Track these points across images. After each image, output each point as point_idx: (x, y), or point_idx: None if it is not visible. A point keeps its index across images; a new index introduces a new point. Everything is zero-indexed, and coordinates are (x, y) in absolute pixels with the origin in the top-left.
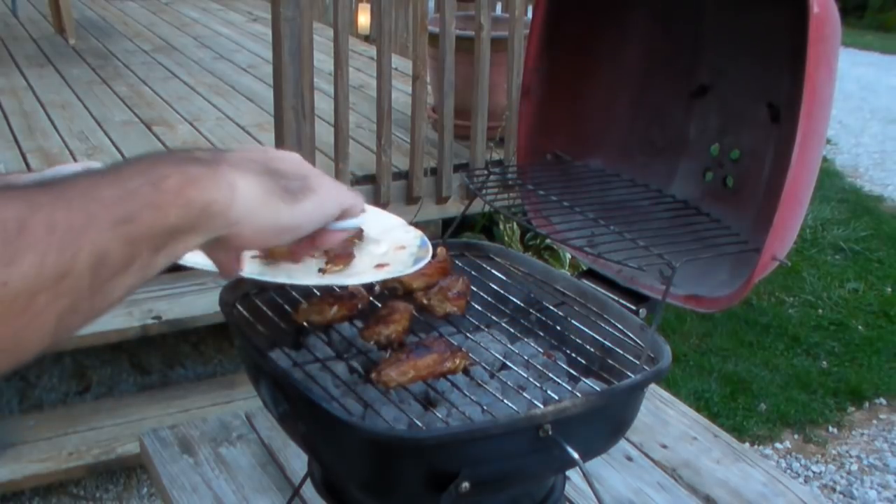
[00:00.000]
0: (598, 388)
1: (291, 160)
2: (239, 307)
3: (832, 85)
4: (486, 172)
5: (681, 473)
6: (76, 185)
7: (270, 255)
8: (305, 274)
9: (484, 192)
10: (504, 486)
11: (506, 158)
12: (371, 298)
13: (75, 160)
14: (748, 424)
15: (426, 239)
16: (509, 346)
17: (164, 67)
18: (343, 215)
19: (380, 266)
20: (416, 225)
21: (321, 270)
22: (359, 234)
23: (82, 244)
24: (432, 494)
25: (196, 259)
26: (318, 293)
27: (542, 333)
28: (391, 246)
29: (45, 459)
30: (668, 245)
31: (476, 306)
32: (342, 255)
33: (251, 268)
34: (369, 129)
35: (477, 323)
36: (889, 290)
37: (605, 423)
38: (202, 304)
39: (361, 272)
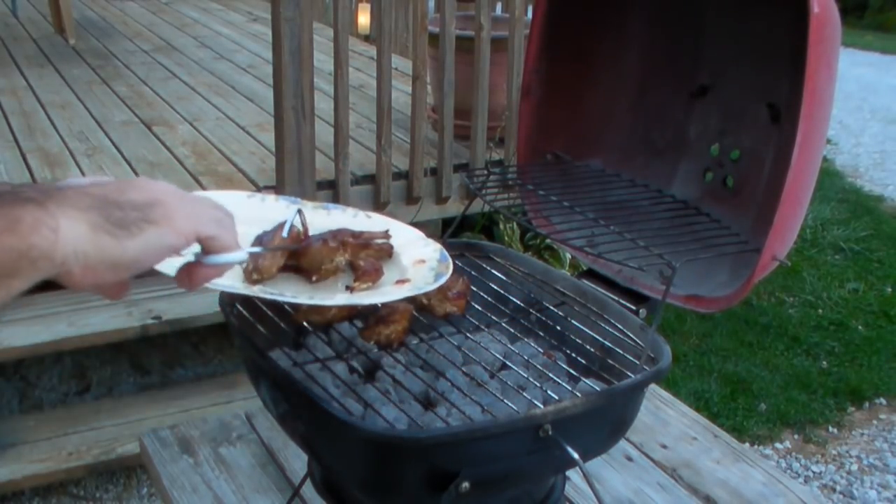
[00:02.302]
0: (598, 388)
1: (142, 188)
2: (239, 307)
3: (832, 85)
4: (486, 172)
5: (681, 473)
6: None
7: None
8: (329, 293)
9: (484, 192)
10: (504, 486)
11: (506, 158)
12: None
13: (75, 160)
14: (748, 424)
15: (446, 253)
16: (509, 346)
17: (165, 67)
18: (209, 248)
19: (401, 282)
20: (416, 225)
21: (349, 288)
22: (389, 251)
23: None
24: (432, 494)
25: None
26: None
27: (542, 333)
28: (410, 260)
29: (45, 459)
30: (668, 245)
31: (476, 306)
32: (370, 271)
33: (266, 288)
34: (369, 129)
35: (477, 323)
36: (889, 290)
37: (605, 423)
38: (202, 304)
39: (384, 289)
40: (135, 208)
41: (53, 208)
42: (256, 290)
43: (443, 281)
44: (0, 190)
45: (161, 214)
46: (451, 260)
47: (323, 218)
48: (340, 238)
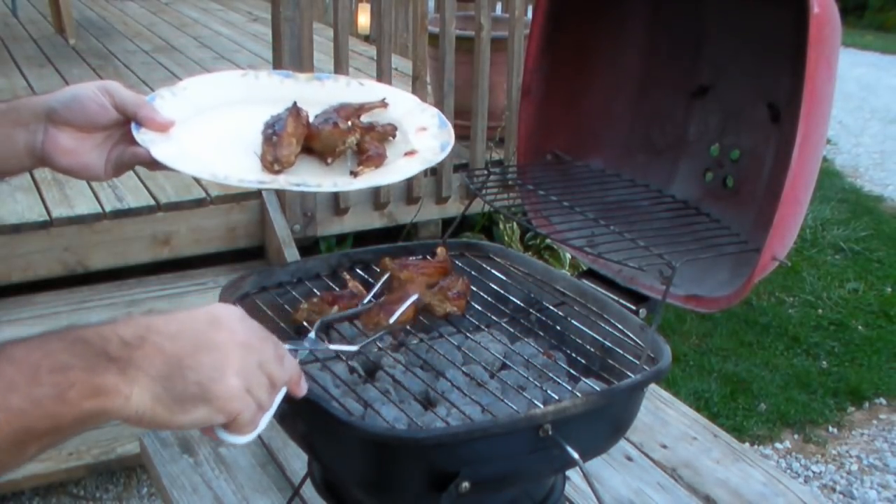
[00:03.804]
0: (598, 388)
1: (211, 351)
2: (239, 307)
3: (832, 85)
4: (486, 172)
5: (681, 473)
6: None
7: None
8: (337, 176)
9: (484, 192)
10: (504, 486)
11: (506, 158)
12: (371, 298)
13: None
14: (748, 424)
15: (444, 118)
16: (509, 346)
17: (164, 67)
18: (231, 427)
19: (409, 154)
20: (416, 225)
21: (353, 173)
22: (392, 131)
23: None
24: (432, 494)
25: None
26: (318, 293)
27: (542, 333)
28: (412, 129)
29: (45, 459)
30: (668, 245)
31: (476, 306)
32: (374, 156)
33: (290, 178)
34: None
35: (477, 323)
36: (889, 290)
37: (605, 423)
38: (202, 303)
39: (393, 166)
40: (198, 382)
41: (132, 375)
42: (282, 182)
43: (448, 150)
44: (88, 340)
45: (218, 393)
46: (450, 126)
47: (317, 89)
48: (347, 116)
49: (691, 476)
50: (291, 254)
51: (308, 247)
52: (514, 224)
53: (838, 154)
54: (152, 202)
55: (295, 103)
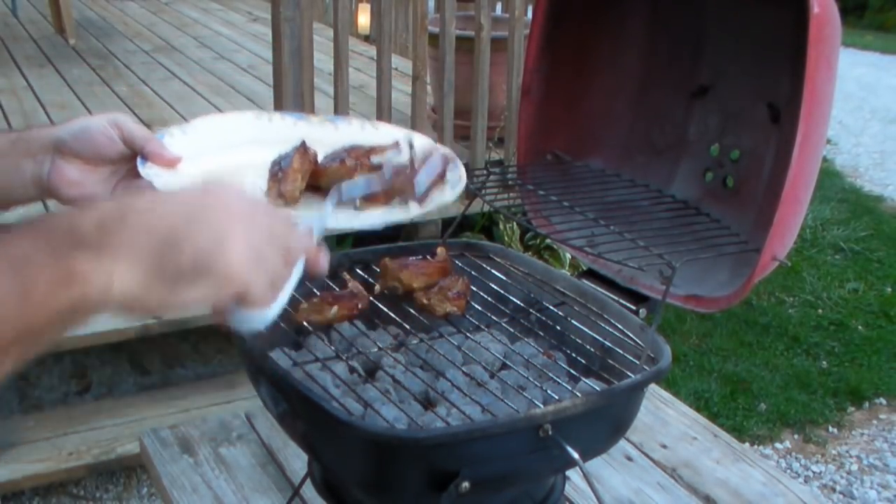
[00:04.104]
0: (598, 388)
1: (208, 221)
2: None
3: (832, 85)
4: (486, 172)
5: (681, 473)
6: None
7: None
8: (338, 214)
9: (484, 192)
10: (504, 486)
11: (506, 158)
12: (371, 298)
13: None
14: (748, 424)
15: (458, 161)
16: (509, 346)
17: (165, 68)
18: (243, 301)
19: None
20: (416, 225)
21: (357, 209)
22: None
23: None
24: (432, 494)
25: None
26: (318, 293)
27: (542, 333)
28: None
29: (45, 459)
30: (668, 245)
31: (476, 306)
32: (381, 195)
33: (292, 213)
34: None
35: (477, 323)
36: (889, 290)
37: (605, 423)
38: None
39: (399, 205)
40: (196, 253)
41: (109, 256)
42: None
43: (459, 190)
44: (55, 225)
45: (221, 263)
46: (461, 167)
47: (330, 132)
48: (356, 156)
49: (691, 476)
50: None
51: None
52: (514, 224)
53: (838, 154)
54: None
55: (303, 141)
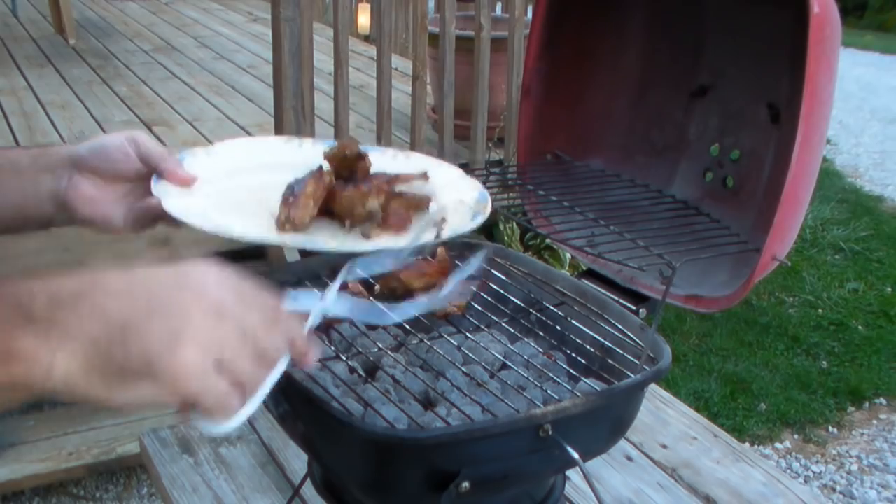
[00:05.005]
0: (598, 388)
1: (169, 316)
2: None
3: (832, 85)
4: (486, 172)
5: (681, 473)
6: None
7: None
8: (347, 240)
9: None
10: (504, 486)
11: (506, 158)
12: (371, 298)
13: None
14: (748, 424)
15: (485, 192)
16: (509, 346)
17: (164, 67)
18: (202, 410)
19: (438, 223)
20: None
21: (365, 235)
22: (426, 203)
23: None
24: (432, 494)
25: None
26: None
27: (542, 333)
28: (450, 200)
29: (45, 459)
30: (668, 245)
31: (476, 306)
32: (394, 222)
33: (297, 237)
34: (369, 129)
35: (477, 323)
36: (889, 290)
37: (605, 423)
38: None
39: (413, 232)
40: (143, 353)
41: (55, 339)
42: (287, 239)
43: (480, 221)
44: (10, 296)
45: (168, 368)
46: (489, 200)
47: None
48: (375, 182)
49: (691, 476)
50: (291, 254)
51: None
52: (514, 224)
53: (838, 154)
54: None
55: (320, 165)
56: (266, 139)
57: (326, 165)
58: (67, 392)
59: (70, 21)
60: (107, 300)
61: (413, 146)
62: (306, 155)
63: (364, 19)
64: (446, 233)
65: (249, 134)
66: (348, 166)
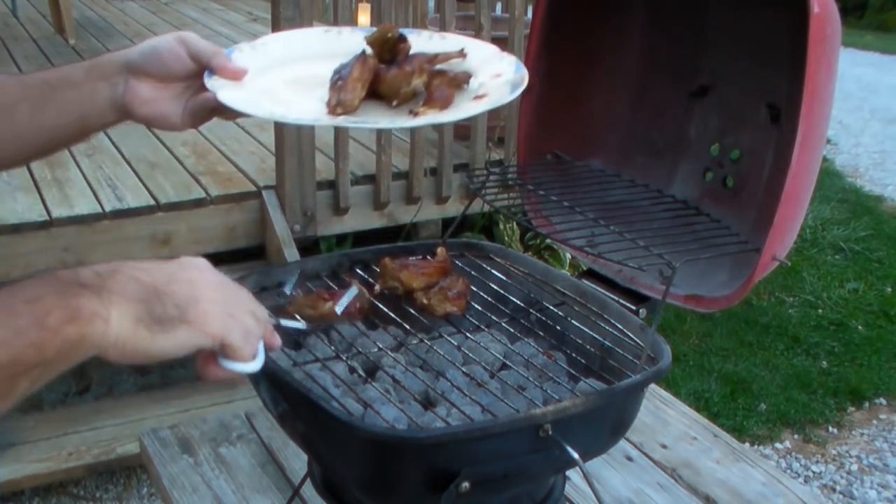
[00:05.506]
0: (598, 388)
1: (187, 282)
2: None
3: (832, 85)
4: (486, 172)
5: (681, 473)
6: None
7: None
8: (396, 118)
9: (484, 192)
10: (504, 486)
11: (506, 158)
12: (371, 298)
13: (76, 160)
14: (748, 424)
15: (521, 64)
16: (509, 346)
17: None
18: (227, 353)
19: (478, 98)
20: (416, 225)
21: (413, 112)
22: (466, 79)
23: None
24: (432, 494)
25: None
26: (314, 289)
27: (542, 333)
28: (487, 75)
29: (45, 459)
30: (668, 245)
31: (476, 306)
32: (439, 99)
33: (350, 118)
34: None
35: (477, 323)
36: (889, 290)
37: (605, 423)
38: None
39: (461, 106)
40: (176, 305)
41: (107, 298)
42: (340, 121)
43: (519, 91)
44: (60, 276)
45: (197, 314)
46: (526, 71)
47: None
48: (416, 62)
49: (691, 476)
50: (291, 254)
51: (308, 247)
52: (514, 224)
53: (838, 154)
54: (152, 202)
55: (363, 50)
56: (306, 31)
57: (369, 50)
58: (118, 347)
59: (70, 21)
60: (136, 272)
61: (413, 146)
62: (346, 43)
63: (364, 19)
64: (485, 105)
65: (250, 134)
66: (390, 49)
